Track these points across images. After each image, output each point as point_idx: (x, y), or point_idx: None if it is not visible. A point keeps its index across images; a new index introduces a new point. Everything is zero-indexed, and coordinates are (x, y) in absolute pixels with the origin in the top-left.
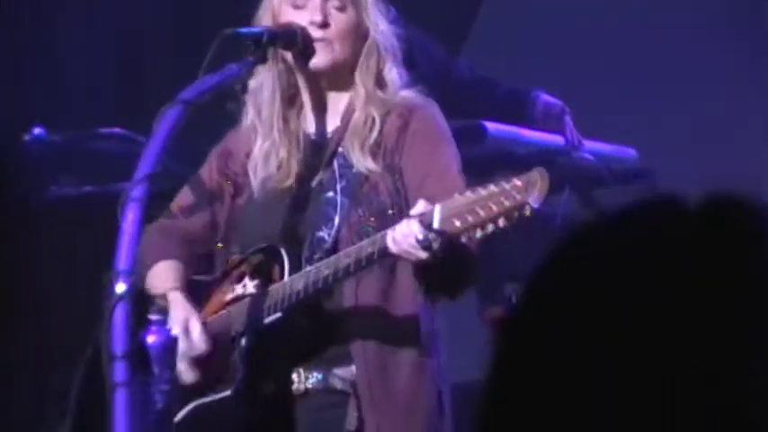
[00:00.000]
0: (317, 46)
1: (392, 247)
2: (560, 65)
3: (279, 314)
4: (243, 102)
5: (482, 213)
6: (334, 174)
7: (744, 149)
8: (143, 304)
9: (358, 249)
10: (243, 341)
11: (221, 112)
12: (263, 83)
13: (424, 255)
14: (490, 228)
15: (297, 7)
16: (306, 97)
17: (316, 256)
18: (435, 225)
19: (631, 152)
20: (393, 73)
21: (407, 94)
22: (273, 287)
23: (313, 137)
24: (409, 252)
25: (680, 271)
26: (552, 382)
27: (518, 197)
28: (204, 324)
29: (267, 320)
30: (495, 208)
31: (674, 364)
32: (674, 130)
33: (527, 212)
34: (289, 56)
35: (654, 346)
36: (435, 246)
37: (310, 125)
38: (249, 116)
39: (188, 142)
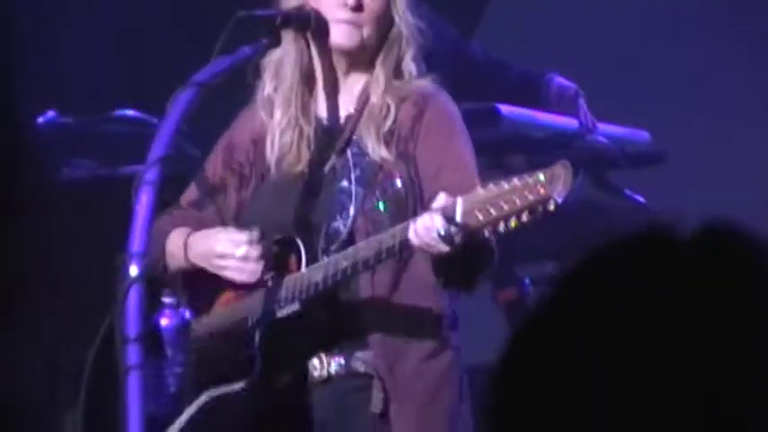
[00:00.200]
0: (346, 28)
1: (414, 240)
2: (574, 47)
3: (296, 305)
4: (255, 80)
5: (505, 207)
6: (347, 162)
7: (759, 132)
8: (155, 287)
9: (378, 241)
10: (259, 331)
11: (236, 95)
12: (285, 58)
13: (445, 248)
14: (513, 222)
15: None
16: (320, 79)
17: (332, 247)
18: (457, 218)
19: (645, 135)
20: (411, 65)
21: (421, 82)
22: (290, 278)
23: (325, 121)
24: (430, 245)
25: (675, 296)
26: (557, 390)
27: (542, 191)
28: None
29: (284, 311)
30: (518, 202)
31: (673, 375)
32: (687, 113)
33: (551, 207)
34: (308, 35)
35: (652, 359)
36: (457, 239)
37: (322, 109)
38: (266, 89)
39: (202, 124)
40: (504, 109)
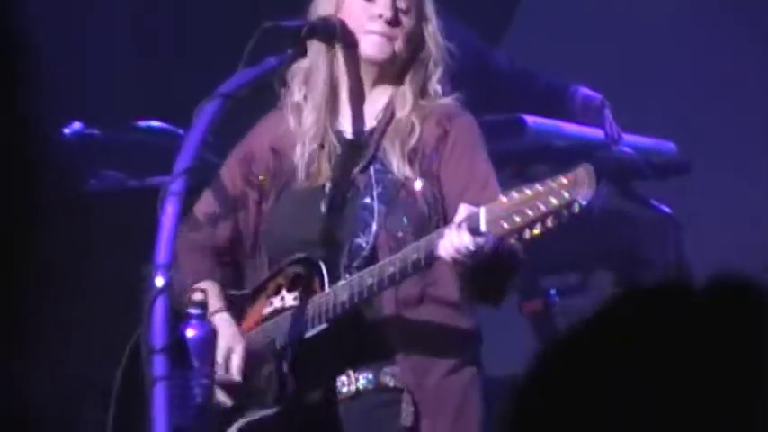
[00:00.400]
0: (379, 40)
1: (441, 253)
2: (600, 57)
3: (324, 325)
4: (281, 90)
5: (530, 213)
6: (370, 179)
7: None
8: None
9: (402, 256)
10: (288, 353)
11: (260, 106)
12: (314, 66)
13: (472, 259)
14: (539, 228)
15: None
16: (345, 91)
17: (354, 264)
18: (482, 228)
19: (670, 145)
20: (437, 86)
21: (445, 101)
22: (317, 298)
23: (348, 134)
24: (457, 257)
25: (689, 349)
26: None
27: (566, 195)
28: (246, 345)
29: (312, 332)
30: (543, 207)
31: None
32: (713, 123)
33: (576, 210)
34: (336, 46)
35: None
36: (485, 249)
37: (345, 121)
38: (295, 96)
39: (227, 135)
40: (530, 119)
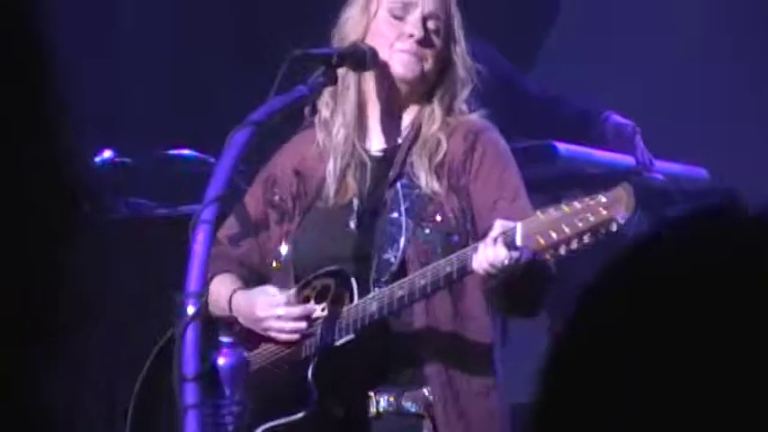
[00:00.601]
0: (409, 59)
1: (475, 267)
2: (630, 83)
3: (351, 336)
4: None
5: (567, 230)
6: (397, 194)
7: None
8: (213, 326)
9: (434, 269)
10: (314, 362)
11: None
12: (345, 84)
13: (507, 274)
14: (575, 244)
15: (395, 17)
16: (372, 109)
17: (383, 279)
18: (518, 242)
19: (702, 172)
20: (464, 104)
21: (471, 116)
22: (344, 309)
23: (375, 152)
24: (491, 272)
25: (747, 278)
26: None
27: (604, 213)
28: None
29: (339, 342)
30: (580, 224)
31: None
32: (746, 150)
33: (614, 229)
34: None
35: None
36: (519, 264)
37: (372, 138)
38: (323, 115)
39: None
40: (561, 146)
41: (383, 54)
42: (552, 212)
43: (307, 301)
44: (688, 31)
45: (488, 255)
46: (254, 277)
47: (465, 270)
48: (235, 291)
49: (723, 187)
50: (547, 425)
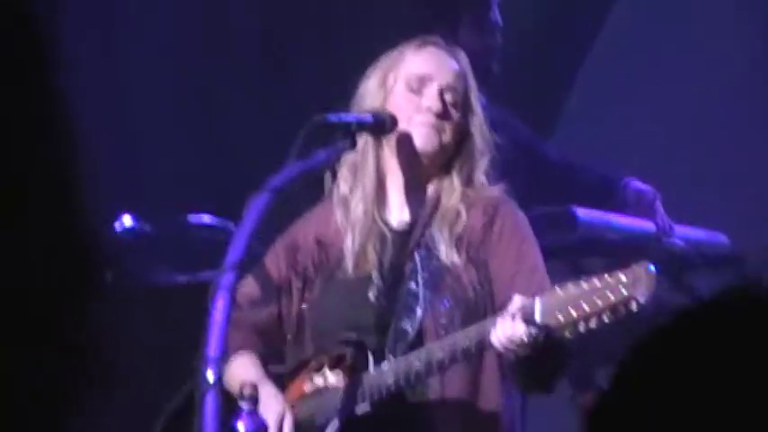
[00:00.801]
0: (429, 132)
1: (494, 342)
2: (649, 149)
3: (367, 407)
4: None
5: (587, 308)
6: (415, 265)
7: None
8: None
9: (452, 343)
10: (329, 430)
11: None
12: (361, 157)
13: (525, 350)
14: (594, 322)
15: (413, 91)
16: (392, 180)
17: (399, 349)
18: (537, 319)
19: (722, 237)
20: (483, 176)
21: (490, 190)
22: (359, 380)
23: (394, 223)
24: (509, 347)
25: None
26: None
27: (624, 292)
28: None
29: (354, 413)
30: (600, 302)
31: None
32: (766, 215)
33: (633, 308)
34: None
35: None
36: (538, 339)
37: (392, 210)
38: (341, 188)
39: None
40: (581, 212)
41: (401, 128)
42: (572, 289)
43: (321, 367)
44: (707, 97)
45: (506, 330)
46: (269, 349)
47: (483, 344)
48: (261, 378)
49: (744, 253)
50: None
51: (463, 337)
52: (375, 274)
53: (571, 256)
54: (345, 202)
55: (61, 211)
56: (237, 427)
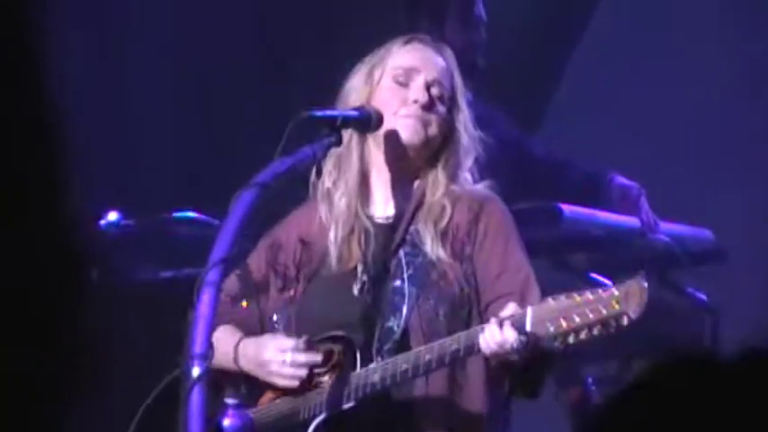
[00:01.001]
0: (414, 124)
1: (484, 348)
2: (635, 143)
3: (352, 404)
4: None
5: (578, 320)
6: (400, 261)
7: None
8: (218, 388)
9: (440, 346)
10: (314, 427)
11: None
12: (345, 152)
13: (514, 357)
14: (584, 334)
15: (399, 84)
16: (376, 175)
17: (385, 348)
18: (527, 327)
19: (707, 233)
20: (467, 173)
21: (475, 186)
22: (346, 377)
23: (378, 218)
24: (499, 354)
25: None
26: None
27: (617, 306)
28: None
29: (338, 409)
30: (591, 315)
31: None
32: (751, 210)
33: (624, 323)
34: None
35: None
36: (527, 348)
37: (375, 205)
38: (326, 183)
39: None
40: (566, 208)
41: (387, 121)
42: (564, 300)
43: None
44: (695, 90)
45: (496, 336)
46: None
47: (472, 349)
48: (242, 338)
49: (728, 248)
50: None
51: (452, 341)
52: (359, 268)
53: (556, 251)
54: (329, 196)
55: (50, 210)
56: (223, 423)
